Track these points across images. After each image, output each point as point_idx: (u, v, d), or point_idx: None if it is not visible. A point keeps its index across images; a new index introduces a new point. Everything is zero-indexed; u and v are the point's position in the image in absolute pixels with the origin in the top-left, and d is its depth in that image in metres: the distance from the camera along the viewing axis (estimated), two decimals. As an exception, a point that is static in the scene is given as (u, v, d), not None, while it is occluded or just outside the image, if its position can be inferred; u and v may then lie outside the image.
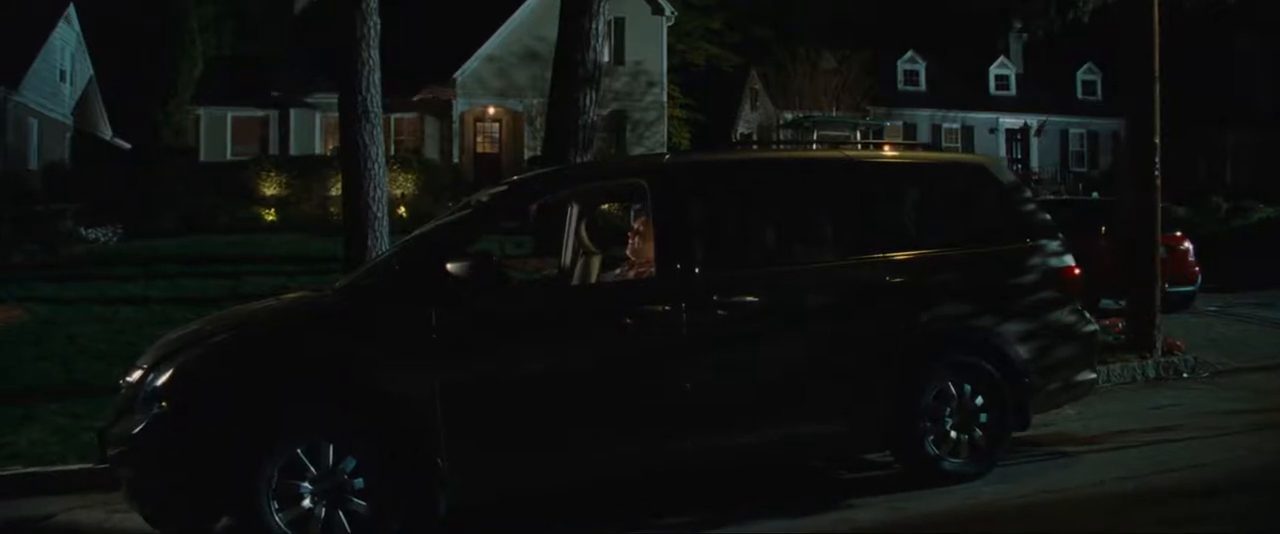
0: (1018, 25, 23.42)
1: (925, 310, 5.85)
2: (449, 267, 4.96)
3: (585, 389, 5.15)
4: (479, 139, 33.76)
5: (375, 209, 12.51)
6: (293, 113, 31.90)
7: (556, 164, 14.36)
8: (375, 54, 12.47)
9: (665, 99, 33.97)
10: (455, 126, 32.45)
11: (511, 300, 5.30)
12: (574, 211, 6.73)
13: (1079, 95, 41.75)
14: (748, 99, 42.16)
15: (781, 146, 6.39)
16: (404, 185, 28.58)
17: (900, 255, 5.87)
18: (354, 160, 12.57)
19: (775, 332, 5.49)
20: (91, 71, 35.17)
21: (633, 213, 6.17)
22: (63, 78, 32.78)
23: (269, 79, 31.61)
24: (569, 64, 15.25)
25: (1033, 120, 40.39)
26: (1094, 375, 6.56)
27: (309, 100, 31.23)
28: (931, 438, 5.84)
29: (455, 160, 32.03)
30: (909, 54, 40.10)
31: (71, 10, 32.22)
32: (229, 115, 32.28)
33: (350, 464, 4.79)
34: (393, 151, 30.06)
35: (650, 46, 33.20)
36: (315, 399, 4.81)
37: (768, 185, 5.90)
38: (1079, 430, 7.31)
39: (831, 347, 5.61)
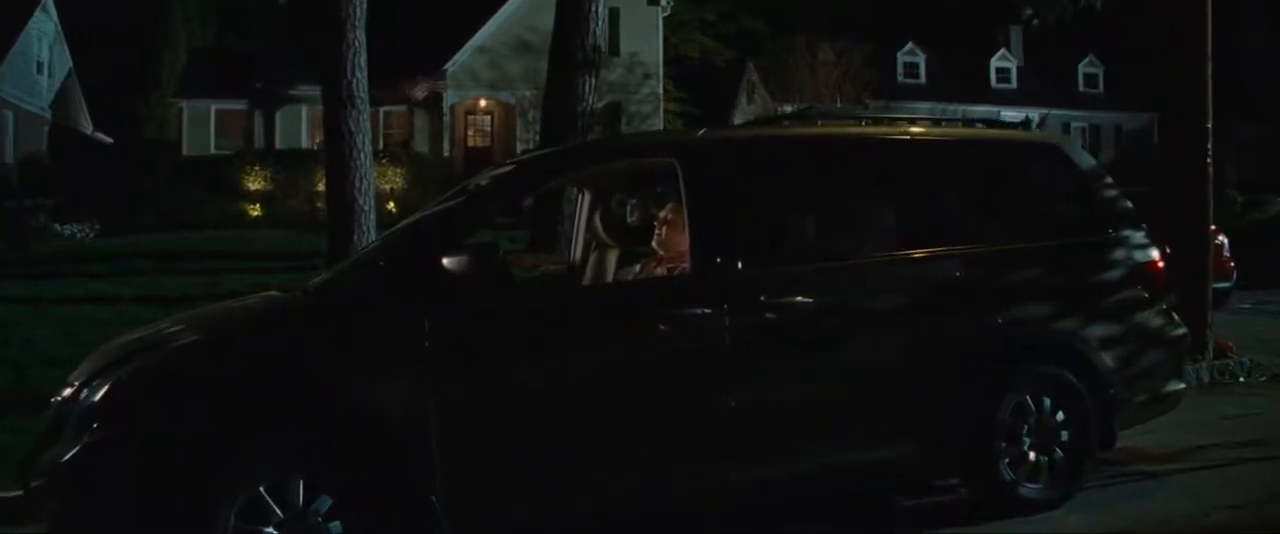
0: (1029, 12, 22.63)
1: (1000, 312, 5.02)
2: (444, 262, 4.12)
3: (611, 409, 4.31)
4: (470, 132, 33.07)
5: (362, 201, 11.78)
6: (278, 106, 31.19)
7: (554, 154, 13.48)
8: (361, 35, 11.74)
9: (661, 91, 33.15)
10: (446, 119, 31.79)
11: (520, 302, 4.45)
12: (585, 199, 5.88)
13: (1081, 88, 41.09)
14: (744, 92, 41.35)
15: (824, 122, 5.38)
16: (393, 180, 28.00)
17: (970, 249, 5.04)
18: (339, 149, 11.84)
19: (832, 339, 4.65)
20: (70, 64, 34.22)
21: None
22: (40, 70, 31.83)
23: (254, 71, 30.87)
24: (567, 48, 14.42)
25: (1034, 113, 39.42)
26: (1183, 385, 5.74)
27: (295, 93, 30.45)
28: (1007, 460, 5.01)
29: (446, 154, 31.37)
30: (909, 46, 39.40)
31: (49, 0, 31.28)
32: (213, 108, 31.56)
33: (324, 504, 3.91)
34: (382, 145, 29.56)
35: (646, 38, 32.43)
36: (278, 426, 3.92)
37: (820, 166, 5.04)
38: (1151, 445, 6.48)
39: (896, 355, 4.77)
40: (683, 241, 4.85)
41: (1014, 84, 40.14)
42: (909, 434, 4.82)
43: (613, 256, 5.68)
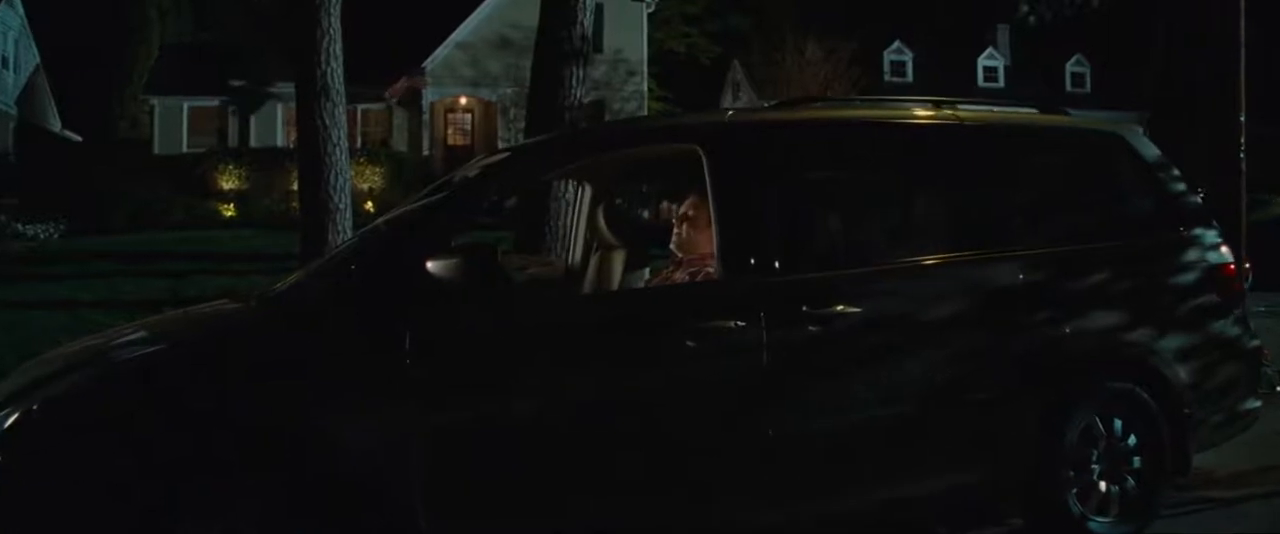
0: (1026, 8, 22.08)
1: (1067, 322, 4.36)
2: (430, 265, 3.44)
3: (630, 438, 3.62)
4: (450, 130, 32.49)
5: (336, 199, 11.01)
6: (253, 103, 30.45)
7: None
8: (336, 22, 10.98)
9: (645, 89, 32.53)
10: (425, 117, 31.11)
11: (522, 313, 3.74)
12: (586, 194, 5.20)
13: (1068, 87, 40.62)
14: (730, 90, 40.74)
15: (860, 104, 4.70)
16: (371, 179, 27.43)
17: (1032, 250, 4.39)
18: (313, 144, 11.06)
19: (882, 355, 3.97)
20: (37, 59, 33.31)
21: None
22: (4, 64, 30.92)
23: (229, 67, 30.06)
24: (554, 39, 13.64)
25: (1022, 113, 39.21)
26: (1259, 403, 5.12)
27: (271, 90, 29.71)
28: (1075, 491, 4.37)
29: (426, 153, 30.70)
30: (896, 45, 38.89)
31: (14, -8, 30.42)
32: (185, 105, 30.80)
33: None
34: (360, 144, 29.01)
35: (631, 34, 31.87)
36: (224, 470, 3.20)
37: (865, 155, 4.36)
38: (1214, 466, 5.85)
39: (952, 374, 4.12)
40: (706, 242, 4.18)
41: (1001, 83, 39.67)
42: (965, 463, 4.16)
43: (618, 259, 4.99)
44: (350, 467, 3.25)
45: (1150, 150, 5.03)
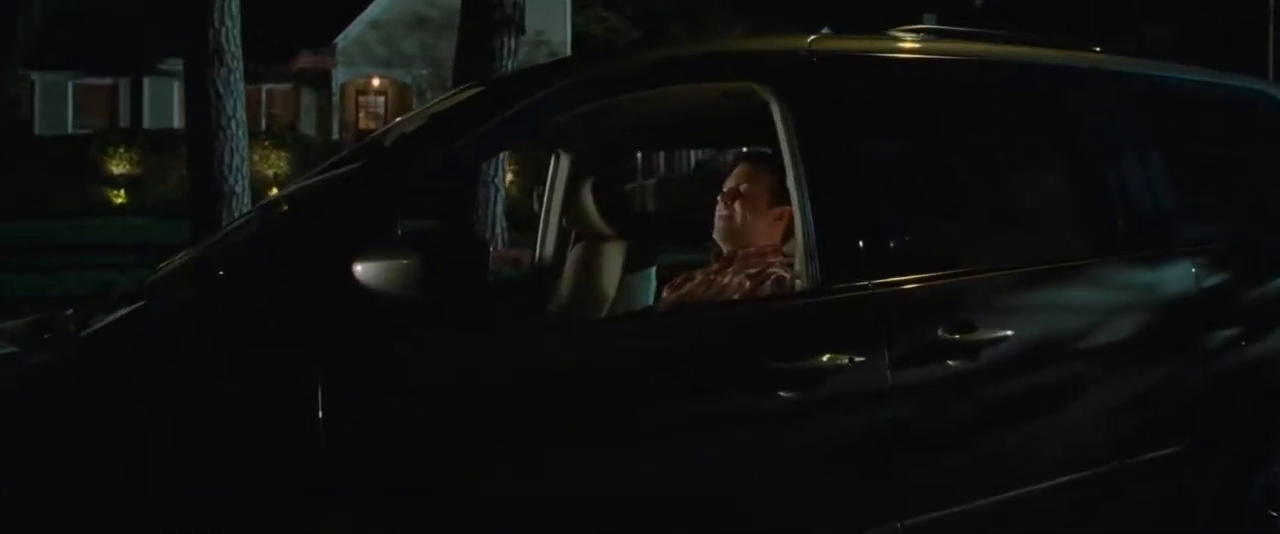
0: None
1: (1250, 341, 3.15)
2: (360, 270, 2.07)
3: None
4: (362, 114, 31.48)
5: (233, 182, 9.54)
6: (147, 81, 28.75)
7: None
8: (232, -25, 9.52)
9: (570, 72, 31.43)
10: (335, 99, 30.14)
11: (517, 350, 2.28)
12: (564, 165, 3.85)
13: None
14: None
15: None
16: (276, 164, 26.01)
17: (1203, 246, 3.16)
18: (204, 116, 9.59)
19: (1038, 394, 2.69)
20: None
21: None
22: None
23: (121, 41, 27.91)
24: (483, 5, 12.35)
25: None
26: None
27: (166, 67, 27.74)
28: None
29: (335, 137, 29.51)
30: (825, 31, 37.99)
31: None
32: (71, 83, 28.86)
33: None
34: (264, 126, 27.48)
35: (553, 15, 30.73)
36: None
37: (1002, 112, 3.02)
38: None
39: (1126, 413, 2.87)
40: (767, 228, 2.88)
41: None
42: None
43: (611, 256, 3.64)
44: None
45: None
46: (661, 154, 24.44)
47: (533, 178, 22.75)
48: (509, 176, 18.19)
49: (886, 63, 2.82)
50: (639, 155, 20.37)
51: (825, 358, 2.34)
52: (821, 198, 2.47)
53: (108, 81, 28.87)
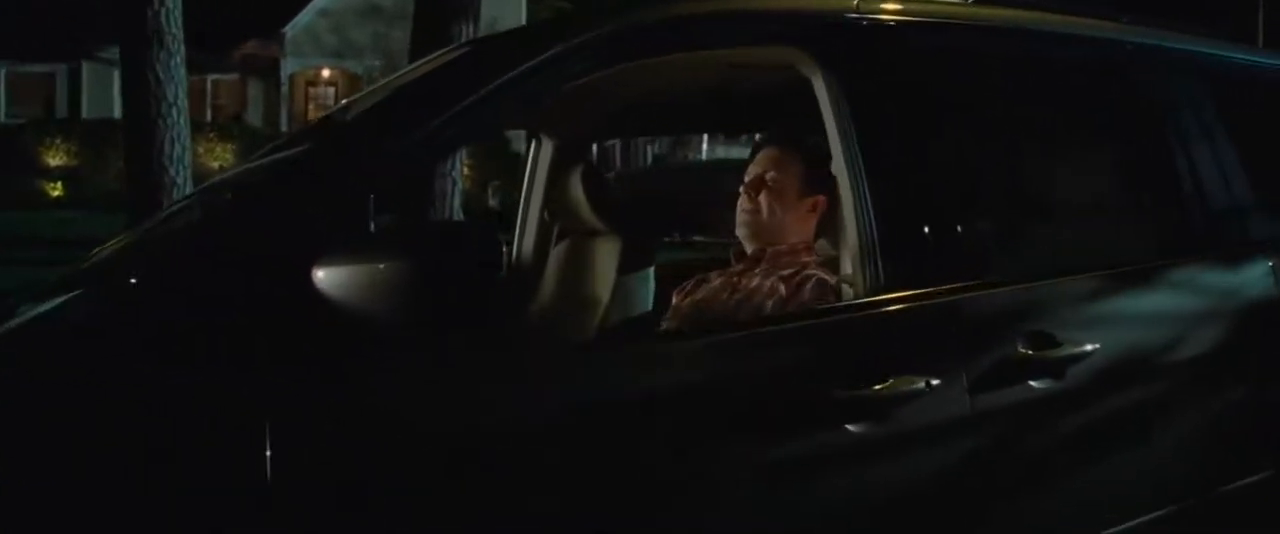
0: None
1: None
2: (321, 276, 1.61)
3: None
4: (311, 106, 30.99)
5: (173, 172, 8.94)
6: (86, 68, 27.64)
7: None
8: (172, -52, 8.93)
9: (525, 64, 31.11)
10: (284, 90, 29.51)
11: (508, 381, 1.77)
12: (547, 151, 3.40)
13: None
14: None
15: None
16: (222, 157, 25.46)
17: (1275, 243, 2.78)
18: (142, 102, 8.97)
19: (1133, 419, 2.29)
20: None
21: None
22: None
23: (58, 27, 27.06)
24: (442, -11, 11.84)
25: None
26: None
27: (106, 55, 26.97)
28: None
29: (284, 129, 28.67)
30: None
31: None
32: (4, 70, 27.79)
33: None
34: (209, 118, 26.87)
35: (507, 4, 30.23)
36: None
37: (1078, 91, 2.58)
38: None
39: (1216, 435, 2.48)
40: (799, 223, 2.47)
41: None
42: None
43: (606, 253, 3.19)
44: None
45: None
46: (617, 145, 23.93)
47: (488, 171, 22.22)
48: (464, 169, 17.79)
49: (963, 29, 2.38)
50: (593, 147, 19.94)
51: (900, 382, 1.91)
52: (885, 189, 2.03)
53: (44, 69, 27.97)
